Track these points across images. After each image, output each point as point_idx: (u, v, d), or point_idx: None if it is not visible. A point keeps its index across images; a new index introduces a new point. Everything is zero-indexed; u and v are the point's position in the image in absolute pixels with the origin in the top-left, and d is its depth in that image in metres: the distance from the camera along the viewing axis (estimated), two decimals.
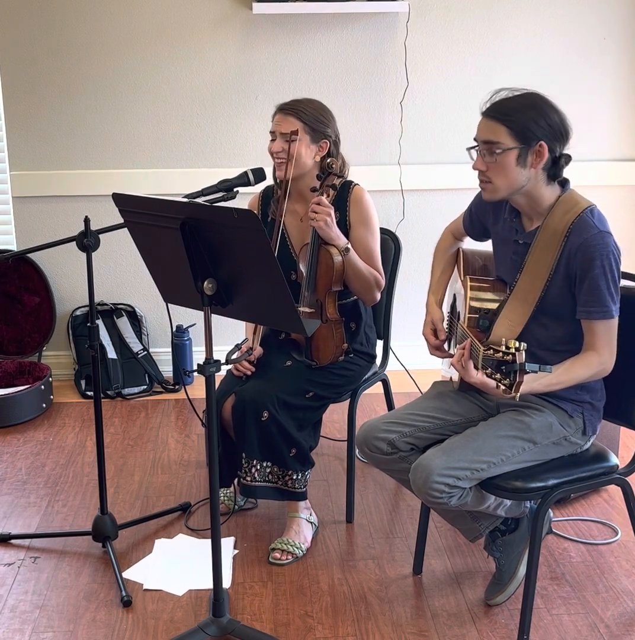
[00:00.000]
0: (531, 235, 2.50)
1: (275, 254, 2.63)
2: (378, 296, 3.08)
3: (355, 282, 3.00)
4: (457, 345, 2.53)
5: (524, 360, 2.13)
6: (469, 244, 2.88)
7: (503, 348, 2.19)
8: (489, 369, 2.22)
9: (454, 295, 2.81)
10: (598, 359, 2.41)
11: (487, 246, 2.78)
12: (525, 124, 2.37)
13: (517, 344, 2.17)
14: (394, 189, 4.35)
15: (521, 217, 2.54)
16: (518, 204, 2.52)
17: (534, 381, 2.33)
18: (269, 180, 3.07)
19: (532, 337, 2.48)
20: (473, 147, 2.47)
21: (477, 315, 2.55)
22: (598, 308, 2.39)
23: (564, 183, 2.50)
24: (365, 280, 3.00)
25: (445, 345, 2.75)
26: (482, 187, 2.51)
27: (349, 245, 2.95)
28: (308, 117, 2.96)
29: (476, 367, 2.31)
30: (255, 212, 2.99)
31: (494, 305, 2.55)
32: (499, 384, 2.20)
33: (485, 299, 2.57)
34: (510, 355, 2.15)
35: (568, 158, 2.46)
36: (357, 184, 3.07)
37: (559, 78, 4.33)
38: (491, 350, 2.21)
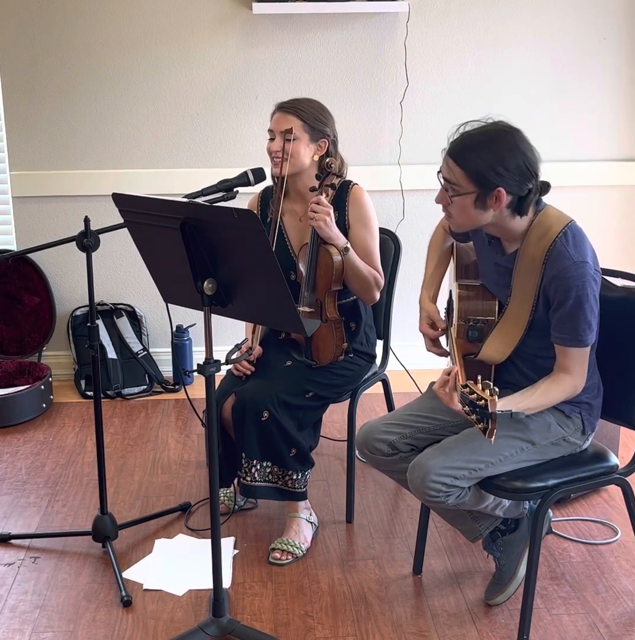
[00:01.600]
0: (511, 259, 2.46)
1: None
2: (377, 296, 3.08)
3: (354, 281, 3.00)
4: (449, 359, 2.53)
5: (495, 409, 2.11)
6: None
7: (479, 388, 2.16)
8: (466, 408, 2.20)
9: (451, 291, 2.80)
10: (572, 381, 2.42)
11: None
12: (482, 169, 2.29)
13: (490, 386, 2.14)
14: (393, 189, 4.35)
15: (500, 239, 2.49)
16: (491, 232, 2.49)
17: (515, 405, 2.31)
18: (269, 181, 3.07)
19: (524, 347, 2.48)
20: (439, 173, 2.42)
21: (465, 324, 2.54)
22: (572, 336, 2.38)
23: (537, 201, 2.43)
24: (364, 279, 3.00)
25: (443, 341, 2.75)
26: (447, 219, 2.50)
27: (349, 245, 2.95)
28: (307, 116, 2.96)
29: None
30: (255, 212, 2.99)
31: (482, 307, 2.55)
32: (476, 424, 2.19)
33: (474, 307, 2.57)
34: (483, 401, 2.13)
35: (545, 186, 2.39)
36: (356, 184, 3.07)
37: (558, 78, 4.33)
38: (468, 388, 2.20)
